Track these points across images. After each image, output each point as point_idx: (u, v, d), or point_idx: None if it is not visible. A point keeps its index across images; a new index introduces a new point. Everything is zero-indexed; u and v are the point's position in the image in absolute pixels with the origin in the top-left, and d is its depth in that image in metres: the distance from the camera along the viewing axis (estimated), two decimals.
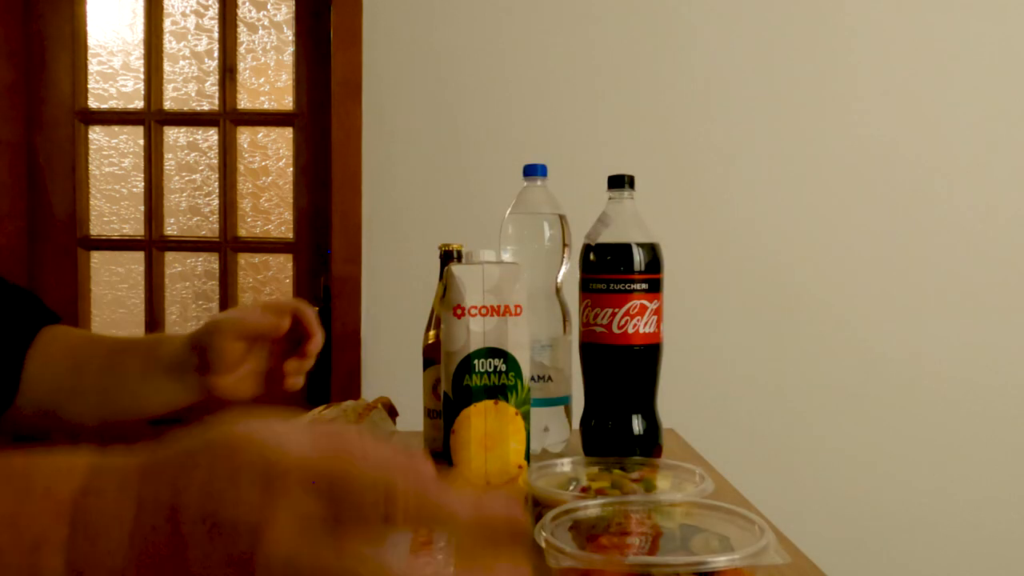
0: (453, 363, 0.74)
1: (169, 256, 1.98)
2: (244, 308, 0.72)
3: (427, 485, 0.32)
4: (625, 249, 0.89)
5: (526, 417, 0.75)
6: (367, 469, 0.31)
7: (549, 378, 0.98)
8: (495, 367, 0.74)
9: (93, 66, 1.95)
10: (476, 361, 0.73)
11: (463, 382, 0.73)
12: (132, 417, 0.77)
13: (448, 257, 0.96)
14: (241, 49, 1.96)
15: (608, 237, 0.90)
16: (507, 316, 0.74)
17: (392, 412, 1.04)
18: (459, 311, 0.73)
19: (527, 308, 0.75)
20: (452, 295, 0.74)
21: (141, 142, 1.95)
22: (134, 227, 1.97)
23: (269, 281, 2.01)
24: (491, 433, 0.73)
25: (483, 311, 0.74)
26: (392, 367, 1.77)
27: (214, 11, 1.95)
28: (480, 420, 0.73)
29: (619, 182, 0.92)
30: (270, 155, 1.98)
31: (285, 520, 0.30)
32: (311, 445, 0.31)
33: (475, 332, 0.73)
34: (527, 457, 0.76)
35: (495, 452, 0.73)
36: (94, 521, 0.30)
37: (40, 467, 0.32)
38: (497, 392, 0.74)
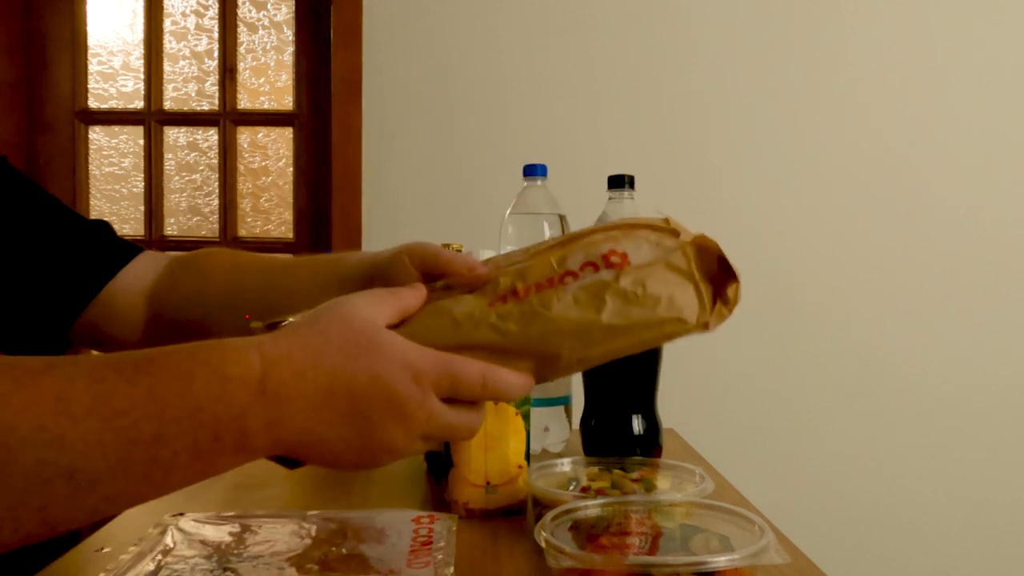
0: None
1: None
2: (436, 247, 0.59)
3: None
4: None
5: (526, 417, 0.75)
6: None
7: None
8: None
9: (93, 66, 1.95)
10: None
11: None
12: None
13: None
14: (241, 49, 1.96)
15: None
16: None
17: None
18: None
19: None
20: None
21: (141, 142, 1.95)
22: (134, 227, 1.97)
23: None
24: (491, 433, 0.73)
25: None
26: None
27: (214, 11, 1.95)
28: None
29: (619, 182, 0.92)
30: (270, 155, 1.98)
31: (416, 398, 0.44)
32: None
33: None
34: (527, 457, 0.76)
35: (495, 452, 0.73)
36: (280, 396, 0.41)
37: (225, 358, 0.41)
38: None
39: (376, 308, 0.46)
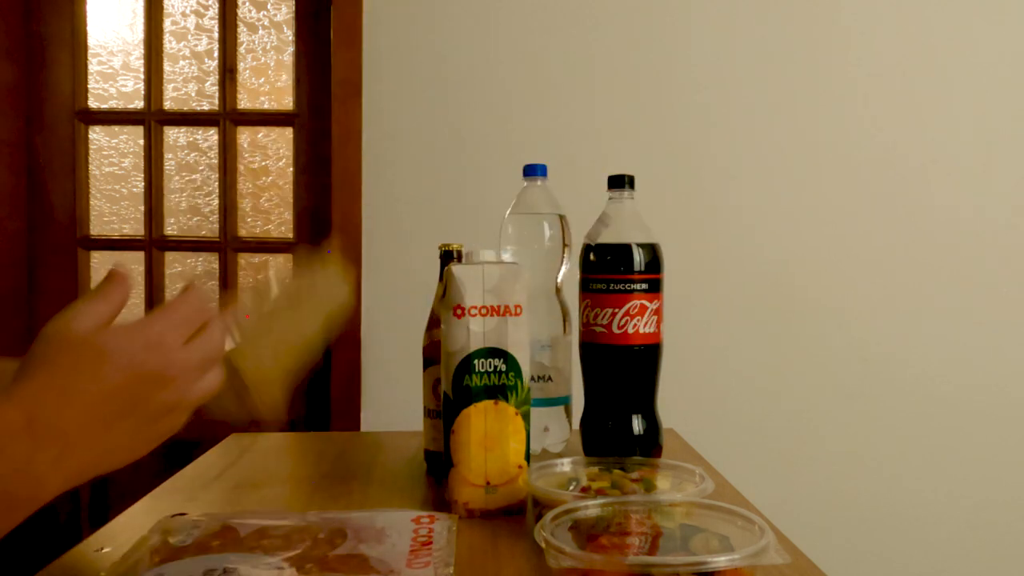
0: (453, 363, 0.74)
1: (169, 256, 1.98)
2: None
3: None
4: (625, 249, 0.89)
5: (526, 417, 0.75)
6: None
7: (549, 378, 0.98)
8: (495, 367, 0.74)
9: (93, 66, 1.95)
10: (476, 361, 0.73)
11: (463, 382, 0.74)
12: None
13: (448, 257, 0.96)
14: (241, 49, 1.96)
15: (608, 237, 0.90)
16: (507, 316, 0.74)
17: None
18: (459, 311, 0.74)
19: (527, 308, 0.76)
20: (452, 295, 0.74)
21: (141, 142, 1.95)
22: (134, 227, 1.97)
23: None
24: (491, 433, 0.73)
25: (483, 311, 0.74)
26: (392, 367, 1.77)
27: (214, 11, 1.95)
28: (480, 420, 0.73)
29: (619, 182, 0.92)
30: (270, 155, 1.98)
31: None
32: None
33: (475, 332, 0.73)
34: (527, 457, 0.76)
35: (495, 452, 0.73)
36: (55, 427, 0.41)
37: None
38: (497, 392, 0.74)
39: (86, 316, 0.46)
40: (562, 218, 1.01)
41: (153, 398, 0.45)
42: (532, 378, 0.98)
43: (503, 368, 0.74)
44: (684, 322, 1.70)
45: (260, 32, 1.96)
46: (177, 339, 0.47)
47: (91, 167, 1.96)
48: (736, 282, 1.79)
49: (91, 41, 1.94)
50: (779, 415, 1.80)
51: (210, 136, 1.97)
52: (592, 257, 0.91)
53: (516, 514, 0.75)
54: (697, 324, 1.77)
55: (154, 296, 1.94)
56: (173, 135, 1.98)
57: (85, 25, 1.92)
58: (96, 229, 1.96)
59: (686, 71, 1.80)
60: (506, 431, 0.74)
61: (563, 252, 1.00)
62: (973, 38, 1.80)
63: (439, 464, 0.90)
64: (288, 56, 1.96)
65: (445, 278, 0.76)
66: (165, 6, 1.94)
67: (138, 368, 0.45)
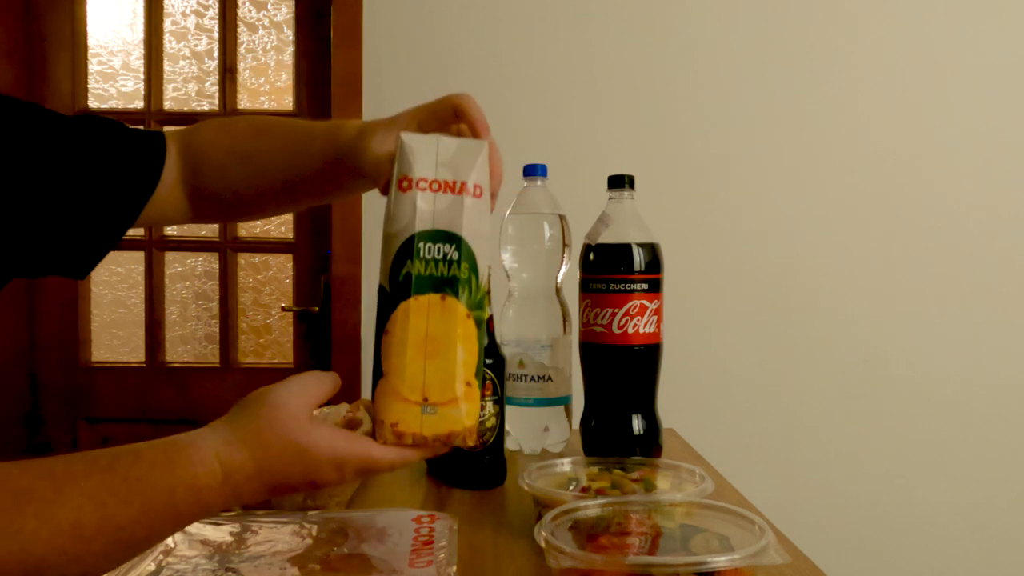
0: (393, 247, 0.58)
1: (169, 256, 1.98)
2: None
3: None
4: (625, 249, 0.89)
5: (480, 324, 0.58)
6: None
7: (549, 378, 0.99)
8: (444, 254, 0.57)
9: (93, 66, 1.95)
10: (421, 244, 0.57)
11: (403, 269, 0.57)
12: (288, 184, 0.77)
13: None
14: (241, 49, 1.96)
15: (608, 237, 0.90)
16: (464, 195, 0.58)
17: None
18: (405, 183, 0.59)
19: (488, 193, 0.60)
20: (399, 166, 0.60)
21: None
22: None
23: (269, 281, 2.01)
24: (434, 335, 0.57)
25: (434, 186, 0.59)
26: None
27: (214, 11, 1.95)
28: (421, 318, 0.57)
29: (619, 182, 0.92)
30: None
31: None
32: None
33: (422, 210, 0.58)
34: (480, 376, 0.59)
35: (438, 361, 0.56)
36: (238, 492, 0.52)
37: (195, 472, 0.50)
38: (445, 285, 0.57)
39: (302, 399, 0.56)
40: (562, 218, 1.01)
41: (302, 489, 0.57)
42: (532, 378, 0.98)
43: (454, 257, 0.57)
44: (684, 322, 1.70)
45: (260, 32, 1.96)
46: (359, 474, 0.57)
47: None
48: (736, 282, 1.79)
49: (91, 41, 1.94)
50: (779, 415, 1.80)
51: None
52: (592, 257, 0.91)
53: (461, 450, 0.60)
54: (697, 324, 1.77)
55: (154, 297, 1.94)
56: None
57: (85, 25, 1.92)
58: None
59: (686, 71, 1.80)
60: (453, 335, 0.57)
61: (563, 252, 1.00)
62: (976, 39, 1.80)
63: (439, 464, 0.89)
64: (288, 56, 1.96)
65: (395, 149, 0.61)
66: (165, 6, 1.94)
67: (317, 480, 0.55)
